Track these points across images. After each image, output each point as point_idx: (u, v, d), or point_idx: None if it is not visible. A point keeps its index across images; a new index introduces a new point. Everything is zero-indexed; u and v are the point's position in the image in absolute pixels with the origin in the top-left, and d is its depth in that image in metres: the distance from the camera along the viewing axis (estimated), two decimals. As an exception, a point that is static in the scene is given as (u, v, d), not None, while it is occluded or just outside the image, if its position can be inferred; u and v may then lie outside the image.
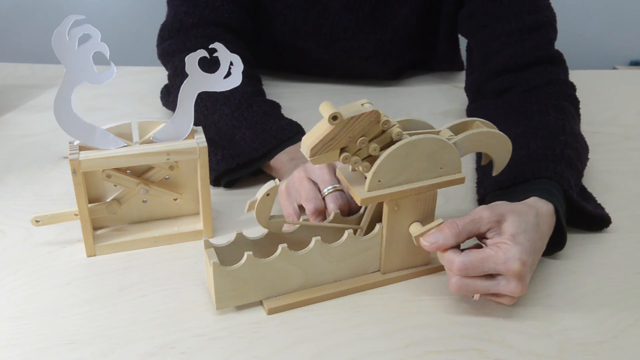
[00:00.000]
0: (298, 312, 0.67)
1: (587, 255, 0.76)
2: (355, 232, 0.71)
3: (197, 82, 0.70)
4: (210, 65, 0.71)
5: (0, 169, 0.91)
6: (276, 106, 0.94)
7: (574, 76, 0.96)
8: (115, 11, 1.90)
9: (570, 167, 0.78)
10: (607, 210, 0.81)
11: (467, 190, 0.87)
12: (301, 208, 0.73)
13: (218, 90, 0.70)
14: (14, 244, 0.75)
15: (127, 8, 1.91)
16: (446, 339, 0.63)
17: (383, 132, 0.63)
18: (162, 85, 1.07)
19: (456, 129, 0.69)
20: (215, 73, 0.70)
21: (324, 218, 0.71)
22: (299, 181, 0.73)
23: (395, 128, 0.63)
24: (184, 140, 0.72)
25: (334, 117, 0.59)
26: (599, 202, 0.82)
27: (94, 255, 0.74)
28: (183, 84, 0.69)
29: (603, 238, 0.79)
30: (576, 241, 0.78)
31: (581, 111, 0.92)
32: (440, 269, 0.72)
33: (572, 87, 0.93)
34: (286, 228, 0.68)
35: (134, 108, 1.10)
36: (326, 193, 0.71)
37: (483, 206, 0.67)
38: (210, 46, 0.69)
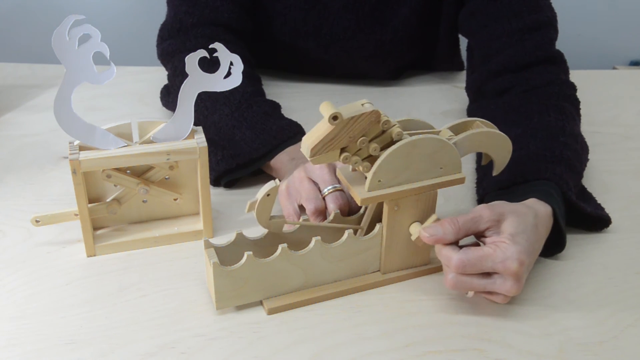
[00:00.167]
0: (298, 312, 0.67)
1: (587, 255, 0.76)
2: (355, 232, 0.71)
3: (197, 82, 0.70)
4: (210, 65, 0.71)
5: (0, 169, 0.91)
6: (276, 106, 0.94)
7: (574, 76, 0.96)
8: (115, 11, 1.90)
9: (569, 169, 0.78)
10: (607, 210, 0.81)
11: (467, 190, 0.87)
12: (301, 208, 0.73)
13: (218, 90, 0.70)
14: (14, 244, 0.75)
15: (127, 8, 1.90)
16: (446, 339, 0.63)
17: (383, 132, 0.63)
18: (162, 85, 1.07)
19: (456, 129, 0.69)
20: (215, 73, 0.70)
21: (324, 218, 0.71)
22: (299, 181, 0.73)
23: (396, 128, 0.63)
24: (184, 140, 0.72)
25: (334, 117, 0.59)
26: (599, 202, 0.82)
27: (94, 255, 0.74)
28: (183, 84, 0.69)
29: (603, 238, 0.79)
30: (576, 241, 0.78)
31: (581, 111, 0.92)
32: (440, 269, 0.72)
33: (572, 88, 0.93)
34: (286, 228, 0.68)
35: (134, 108, 1.10)
36: (326, 193, 0.71)
37: (483, 205, 0.67)
38: (210, 46, 0.69)
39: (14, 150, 0.96)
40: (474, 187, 0.87)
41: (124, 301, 0.67)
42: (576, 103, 0.92)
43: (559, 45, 0.97)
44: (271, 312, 0.66)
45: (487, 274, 0.64)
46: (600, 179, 0.92)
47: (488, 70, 0.97)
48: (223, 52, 0.69)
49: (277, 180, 0.64)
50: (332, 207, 0.70)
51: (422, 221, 0.68)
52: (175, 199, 0.77)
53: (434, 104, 1.14)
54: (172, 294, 0.68)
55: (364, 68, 1.18)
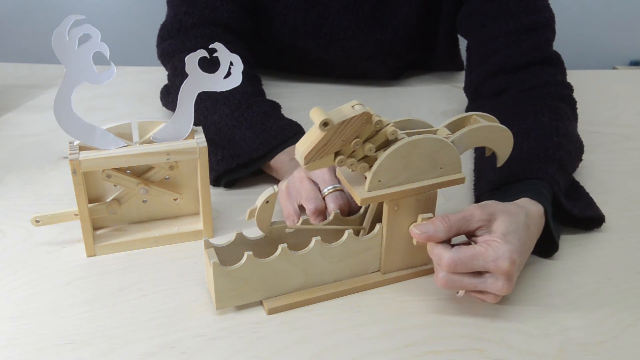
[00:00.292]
0: (298, 312, 0.67)
1: (587, 255, 0.76)
2: (358, 232, 0.71)
3: (197, 82, 0.70)
4: (210, 65, 0.71)
5: (0, 169, 0.91)
6: (276, 106, 0.94)
7: (574, 76, 0.96)
8: (115, 11, 1.90)
9: (561, 169, 0.78)
10: (607, 210, 0.80)
11: (467, 190, 0.87)
12: (301, 208, 0.73)
13: (218, 90, 0.70)
14: (14, 244, 0.75)
15: (127, 8, 1.90)
16: (446, 339, 0.64)
17: (377, 131, 0.62)
18: (162, 85, 1.07)
19: (454, 126, 0.69)
20: (215, 73, 0.70)
21: (324, 218, 0.71)
22: (299, 181, 0.73)
23: (389, 127, 0.62)
24: (184, 140, 0.72)
25: (324, 124, 0.58)
26: (596, 201, 0.82)
27: (94, 255, 0.74)
28: (183, 84, 0.69)
29: (603, 238, 0.79)
30: (576, 241, 0.78)
31: (581, 111, 0.92)
32: (440, 269, 0.72)
33: (568, 88, 0.93)
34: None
35: (134, 108, 1.10)
36: (326, 193, 0.71)
37: (475, 204, 0.67)
38: (210, 46, 0.69)
39: (14, 150, 0.96)
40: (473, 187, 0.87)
41: (124, 301, 0.67)
42: (572, 103, 0.92)
43: (559, 45, 0.97)
44: (271, 312, 0.66)
45: (479, 273, 0.64)
46: (600, 179, 0.92)
47: (485, 70, 0.97)
48: (223, 52, 0.69)
49: (275, 186, 0.64)
50: (332, 207, 0.70)
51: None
52: (175, 199, 0.77)
53: (434, 104, 1.14)
54: (172, 294, 0.68)
55: (364, 68, 1.18)
